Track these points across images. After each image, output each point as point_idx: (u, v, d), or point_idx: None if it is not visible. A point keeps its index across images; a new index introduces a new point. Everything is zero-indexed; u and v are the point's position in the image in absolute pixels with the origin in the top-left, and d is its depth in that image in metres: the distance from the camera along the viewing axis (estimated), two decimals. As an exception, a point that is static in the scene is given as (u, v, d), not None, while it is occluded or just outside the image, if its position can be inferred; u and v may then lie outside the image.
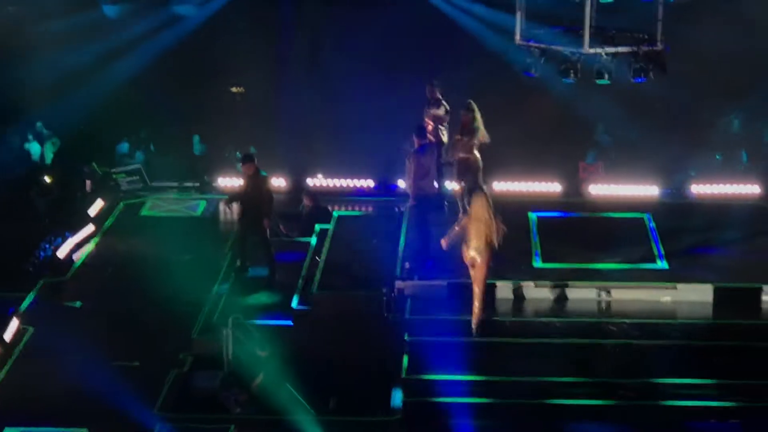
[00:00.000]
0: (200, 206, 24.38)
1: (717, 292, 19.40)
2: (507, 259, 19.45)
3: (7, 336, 18.59)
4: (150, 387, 16.98)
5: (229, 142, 26.42)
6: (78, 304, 20.01)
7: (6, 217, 23.17)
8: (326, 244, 21.25)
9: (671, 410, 16.45)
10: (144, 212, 24.16)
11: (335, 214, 22.84)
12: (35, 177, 24.97)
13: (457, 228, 18.59)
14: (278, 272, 20.37)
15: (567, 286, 19.60)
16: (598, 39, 20.85)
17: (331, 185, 25.16)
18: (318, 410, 16.43)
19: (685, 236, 21.33)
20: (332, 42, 27.51)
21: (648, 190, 24.03)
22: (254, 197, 20.14)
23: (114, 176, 25.31)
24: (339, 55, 27.24)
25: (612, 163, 25.53)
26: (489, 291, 18.97)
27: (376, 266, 20.08)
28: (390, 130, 23.76)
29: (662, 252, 20.61)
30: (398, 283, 19.53)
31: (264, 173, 20.31)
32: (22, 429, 16.13)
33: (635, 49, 20.80)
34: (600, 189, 24.24)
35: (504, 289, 19.50)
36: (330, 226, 22.05)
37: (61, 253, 21.55)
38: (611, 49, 20.84)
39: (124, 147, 26.50)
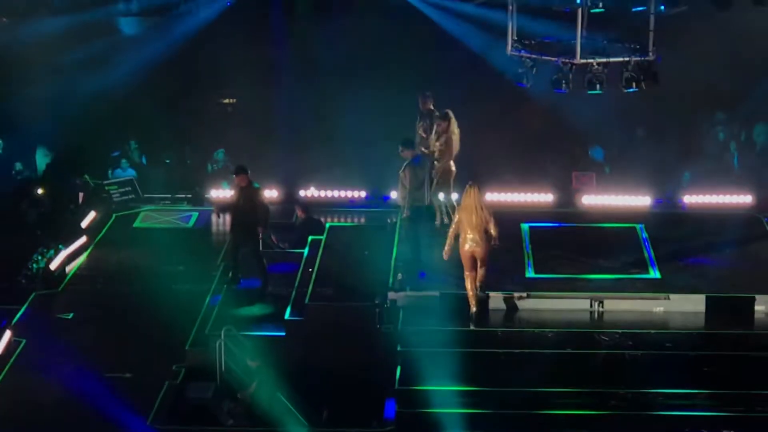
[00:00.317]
0: (192, 218, 24.37)
1: (709, 302, 19.39)
2: (499, 270, 19.52)
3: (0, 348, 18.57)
4: (142, 398, 16.97)
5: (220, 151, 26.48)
6: (70, 315, 19.99)
7: (-2, 229, 23.16)
8: (319, 255, 21.23)
9: (664, 420, 16.48)
10: (137, 224, 24.14)
11: (328, 225, 22.84)
12: (27, 189, 24.93)
13: (452, 228, 18.69)
14: (271, 283, 20.34)
15: (560, 296, 19.60)
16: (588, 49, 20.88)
17: (323, 196, 25.16)
18: (311, 422, 16.46)
19: (678, 246, 21.31)
20: (325, 54, 27.49)
21: (641, 201, 24.08)
22: (247, 209, 20.09)
23: (106, 188, 25.27)
24: (331, 67, 27.22)
25: (604, 177, 25.58)
26: (481, 301, 19.04)
27: (368, 277, 20.02)
28: (382, 141, 23.76)
29: (655, 262, 20.61)
30: (391, 294, 19.48)
31: (257, 185, 20.29)
32: (14, 441, 16.17)
33: (627, 59, 20.81)
34: (593, 199, 24.28)
35: (496, 300, 19.47)
36: (323, 237, 22.03)
37: (54, 265, 21.50)
38: (603, 59, 20.85)
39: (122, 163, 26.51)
